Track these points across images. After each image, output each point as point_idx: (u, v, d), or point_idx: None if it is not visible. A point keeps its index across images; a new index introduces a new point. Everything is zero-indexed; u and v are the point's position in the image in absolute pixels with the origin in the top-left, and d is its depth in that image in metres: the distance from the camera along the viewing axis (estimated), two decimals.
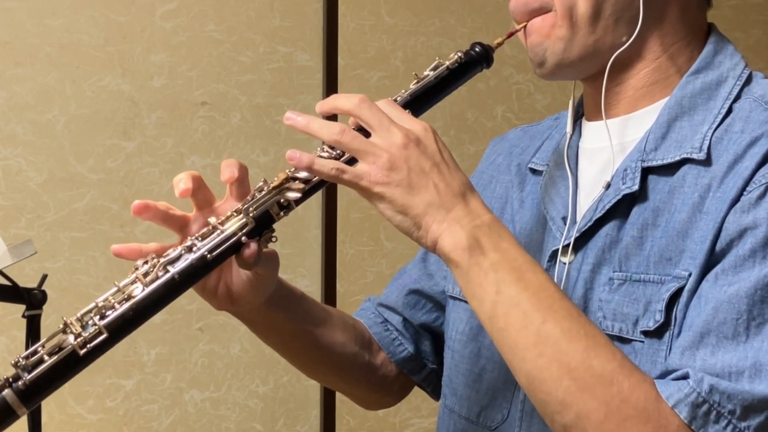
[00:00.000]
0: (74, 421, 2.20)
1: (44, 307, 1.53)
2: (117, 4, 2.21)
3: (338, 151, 1.00)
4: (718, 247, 0.96)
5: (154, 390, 2.26)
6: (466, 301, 1.19)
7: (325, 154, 1.00)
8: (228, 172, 1.06)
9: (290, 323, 1.21)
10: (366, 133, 0.99)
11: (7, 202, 2.15)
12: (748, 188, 0.96)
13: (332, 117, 1.02)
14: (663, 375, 0.94)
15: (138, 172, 2.23)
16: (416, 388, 1.35)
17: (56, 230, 2.18)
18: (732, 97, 1.05)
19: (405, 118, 0.99)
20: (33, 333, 1.52)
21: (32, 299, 1.52)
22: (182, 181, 1.05)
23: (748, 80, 1.07)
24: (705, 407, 0.90)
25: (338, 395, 2.35)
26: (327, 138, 0.98)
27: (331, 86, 2.34)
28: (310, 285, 2.34)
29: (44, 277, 1.54)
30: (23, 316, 1.52)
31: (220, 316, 2.23)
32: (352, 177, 0.97)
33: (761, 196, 0.95)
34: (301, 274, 2.34)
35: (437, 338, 1.30)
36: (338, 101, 1.00)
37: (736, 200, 0.96)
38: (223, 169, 1.06)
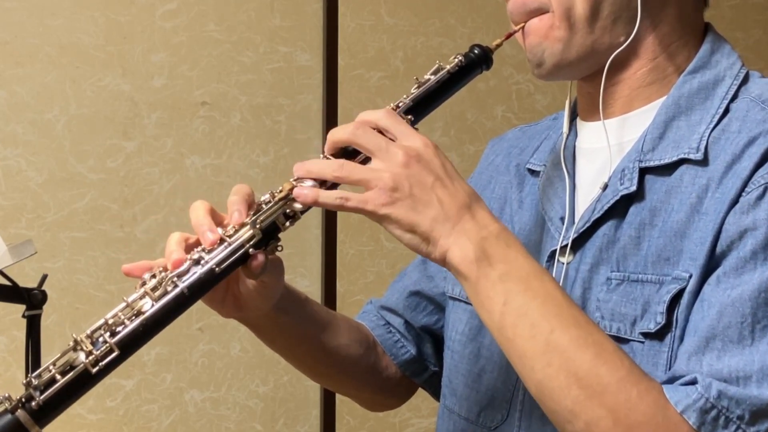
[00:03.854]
0: (74, 421, 2.20)
1: (44, 307, 1.53)
2: (117, 4, 2.21)
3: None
4: (718, 248, 0.96)
5: (154, 390, 2.26)
6: (466, 302, 1.19)
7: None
8: (236, 216, 1.02)
9: (296, 328, 1.22)
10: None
11: (7, 202, 2.15)
12: (746, 189, 0.96)
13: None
14: (670, 381, 0.94)
15: (138, 172, 2.23)
16: (417, 389, 1.36)
17: (56, 230, 2.18)
18: (729, 96, 1.05)
19: (405, 133, 0.99)
20: (33, 333, 1.52)
21: (32, 299, 1.52)
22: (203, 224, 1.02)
23: (745, 80, 1.07)
24: (714, 413, 0.90)
25: (338, 395, 2.35)
26: (328, 176, 0.99)
27: (331, 86, 2.34)
28: (310, 285, 2.34)
29: (44, 277, 1.54)
30: (23, 316, 1.52)
31: (220, 317, 2.23)
32: (357, 203, 0.97)
33: (760, 197, 0.95)
34: (301, 274, 2.34)
35: (438, 340, 1.31)
36: (335, 135, 1.01)
37: (735, 201, 0.96)
38: (230, 211, 1.03)
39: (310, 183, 1.00)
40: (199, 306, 1.05)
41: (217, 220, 1.04)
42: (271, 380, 2.33)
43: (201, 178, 2.26)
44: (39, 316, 1.53)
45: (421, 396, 1.39)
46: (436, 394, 1.31)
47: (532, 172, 1.20)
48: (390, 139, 0.99)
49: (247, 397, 2.32)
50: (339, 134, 1.00)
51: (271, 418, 2.34)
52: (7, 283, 1.50)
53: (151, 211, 2.21)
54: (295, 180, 1.01)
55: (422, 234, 0.97)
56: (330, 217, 2.35)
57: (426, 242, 0.97)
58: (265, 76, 2.31)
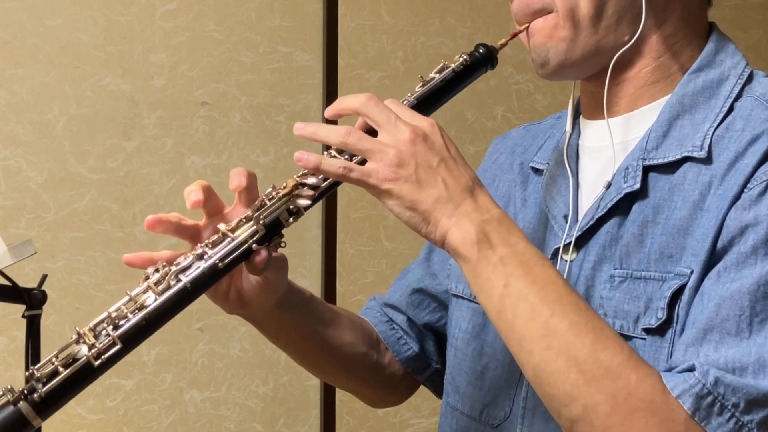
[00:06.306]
0: (74, 421, 2.20)
1: (44, 307, 1.53)
2: (117, 4, 2.21)
3: (346, 155, 1.00)
4: (719, 244, 0.96)
5: (154, 390, 2.25)
6: (469, 300, 1.20)
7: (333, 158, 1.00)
8: (236, 180, 1.06)
9: (300, 325, 1.22)
10: (373, 133, 0.99)
11: (7, 202, 2.14)
12: (749, 185, 0.96)
13: (334, 123, 1.02)
14: (668, 371, 0.94)
15: (138, 172, 2.22)
16: (420, 386, 1.36)
17: (56, 230, 2.17)
18: (733, 95, 1.05)
19: (411, 116, 1.00)
20: (33, 333, 1.52)
21: (32, 299, 1.51)
22: (193, 193, 1.06)
23: (749, 79, 1.07)
24: (709, 399, 0.90)
25: (338, 395, 2.35)
26: (334, 141, 0.98)
27: (331, 86, 2.34)
28: (310, 285, 2.34)
29: (44, 277, 1.54)
30: (23, 316, 1.52)
31: (220, 316, 2.23)
32: (360, 175, 0.97)
33: (762, 193, 0.95)
34: (301, 274, 2.34)
35: (441, 338, 1.31)
36: (345, 101, 1.01)
37: (737, 197, 0.96)
38: (232, 177, 1.07)
39: (313, 180, 1.00)
40: (200, 306, 1.06)
41: (218, 206, 1.07)
42: (271, 380, 2.33)
43: (201, 178, 2.24)
44: (39, 316, 1.53)
45: (421, 396, 1.39)
46: (437, 391, 1.31)
47: (536, 171, 1.20)
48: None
49: (247, 397, 2.32)
50: (349, 102, 1.00)
51: (271, 418, 2.34)
52: (7, 283, 1.50)
53: (151, 211, 2.19)
54: (299, 176, 1.01)
55: (423, 213, 0.97)
56: (330, 217, 2.35)
57: (426, 222, 0.97)
58: (265, 76, 2.31)
